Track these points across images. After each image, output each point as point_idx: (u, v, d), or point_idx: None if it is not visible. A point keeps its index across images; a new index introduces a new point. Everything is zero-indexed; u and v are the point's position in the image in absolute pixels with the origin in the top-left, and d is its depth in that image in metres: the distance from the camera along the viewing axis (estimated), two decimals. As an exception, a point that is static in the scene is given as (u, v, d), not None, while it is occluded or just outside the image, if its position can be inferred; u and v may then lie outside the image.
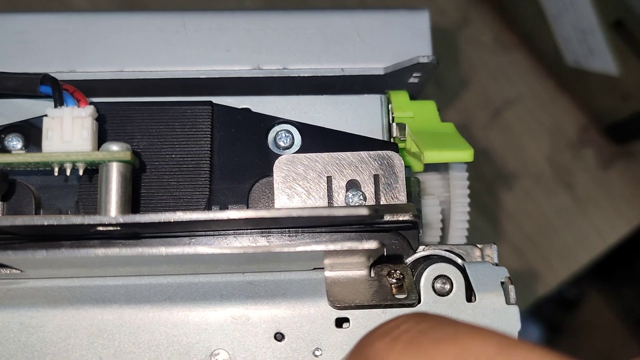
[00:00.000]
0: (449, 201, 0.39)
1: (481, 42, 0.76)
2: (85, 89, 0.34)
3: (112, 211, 0.29)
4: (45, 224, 0.27)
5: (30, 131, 0.34)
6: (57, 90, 0.31)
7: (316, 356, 0.31)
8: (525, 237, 0.72)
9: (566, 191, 0.73)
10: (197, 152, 0.34)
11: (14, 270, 0.30)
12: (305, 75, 0.38)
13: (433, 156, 0.32)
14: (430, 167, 0.40)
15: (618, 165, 0.74)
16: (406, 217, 0.31)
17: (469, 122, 0.74)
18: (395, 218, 0.30)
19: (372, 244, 0.27)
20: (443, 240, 0.39)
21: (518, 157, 0.73)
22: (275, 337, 0.31)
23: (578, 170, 0.74)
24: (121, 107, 0.35)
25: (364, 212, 0.28)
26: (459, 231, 0.39)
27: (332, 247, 0.27)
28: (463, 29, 0.76)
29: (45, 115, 0.31)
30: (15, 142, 0.34)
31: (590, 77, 0.72)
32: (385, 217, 0.30)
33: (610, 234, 0.73)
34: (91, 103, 0.32)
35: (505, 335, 0.20)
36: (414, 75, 0.39)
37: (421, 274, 0.32)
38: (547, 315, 1.01)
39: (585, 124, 0.75)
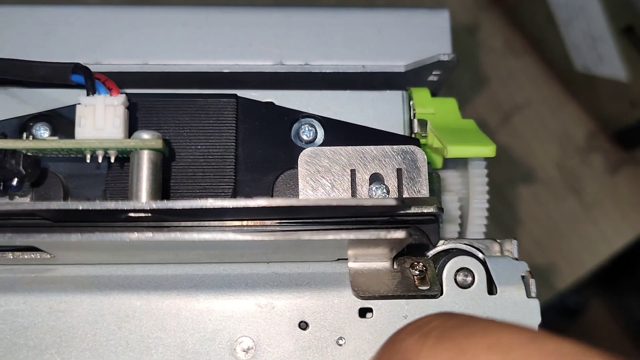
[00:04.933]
0: (467, 198, 0.39)
1: (491, 47, 0.76)
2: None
3: (143, 198, 0.30)
4: (80, 208, 0.27)
5: (58, 120, 0.35)
6: (90, 79, 0.31)
7: (339, 345, 0.31)
8: (533, 242, 0.73)
9: (574, 196, 0.74)
10: (222, 144, 0.35)
11: (45, 255, 0.31)
12: (327, 71, 0.39)
13: (457, 151, 0.33)
14: (448, 165, 0.41)
15: (626, 171, 0.75)
16: (430, 210, 0.31)
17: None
18: (420, 210, 0.31)
19: (400, 234, 0.27)
20: (461, 236, 0.40)
21: (527, 162, 0.74)
22: (299, 326, 0.32)
23: (586, 176, 0.74)
24: (148, 98, 0.35)
25: (391, 202, 0.28)
26: (477, 227, 0.39)
27: (361, 235, 0.27)
28: (473, 33, 0.76)
29: (78, 104, 0.31)
30: (42, 131, 0.35)
31: (599, 83, 0.73)
32: (412, 209, 0.30)
33: (617, 239, 0.74)
34: (122, 92, 0.33)
35: (535, 329, 0.21)
36: (433, 73, 0.40)
37: (443, 266, 0.32)
38: (548, 323, 1.01)
39: (594, 129, 0.75)
